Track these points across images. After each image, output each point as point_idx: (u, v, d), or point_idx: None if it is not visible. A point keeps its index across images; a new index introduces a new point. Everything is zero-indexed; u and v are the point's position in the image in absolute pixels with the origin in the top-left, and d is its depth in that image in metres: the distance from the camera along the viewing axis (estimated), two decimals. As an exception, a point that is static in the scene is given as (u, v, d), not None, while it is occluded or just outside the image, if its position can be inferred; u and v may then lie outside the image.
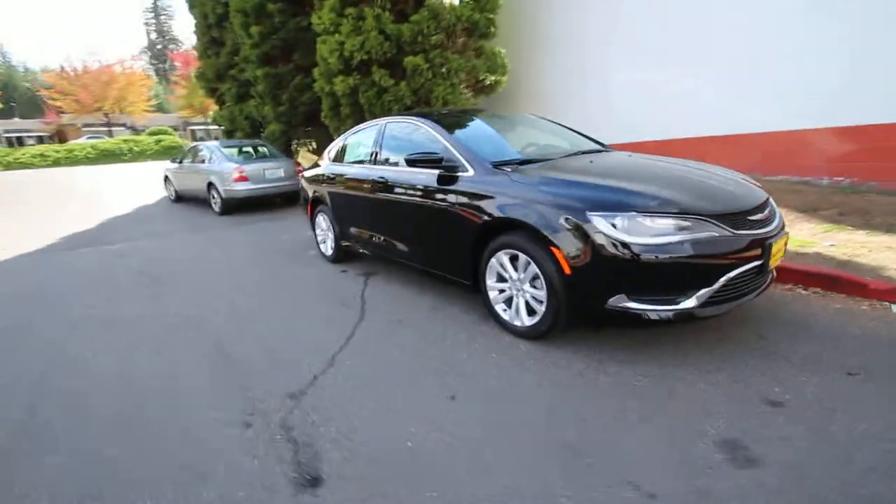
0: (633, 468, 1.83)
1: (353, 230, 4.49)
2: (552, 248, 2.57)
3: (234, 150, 9.53)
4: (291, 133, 12.10)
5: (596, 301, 2.49)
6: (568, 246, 2.51)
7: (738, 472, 1.77)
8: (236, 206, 8.68)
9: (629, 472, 1.81)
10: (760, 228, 2.54)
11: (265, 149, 9.93)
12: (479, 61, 9.14)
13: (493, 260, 2.97)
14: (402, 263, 3.90)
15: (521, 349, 2.78)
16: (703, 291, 2.36)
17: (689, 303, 2.37)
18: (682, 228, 2.35)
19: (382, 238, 4.05)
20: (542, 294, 2.72)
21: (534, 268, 2.71)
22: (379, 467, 1.94)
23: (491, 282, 3.04)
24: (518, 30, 9.75)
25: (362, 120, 10.13)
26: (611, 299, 2.44)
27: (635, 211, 2.39)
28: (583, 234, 2.46)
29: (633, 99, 8.14)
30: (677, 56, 7.21)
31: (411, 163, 3.32)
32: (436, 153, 3.26)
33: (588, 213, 2.45)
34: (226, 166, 8.67)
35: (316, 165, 5.40)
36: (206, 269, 5.11)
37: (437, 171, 3.29)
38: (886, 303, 2.99)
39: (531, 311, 2.84)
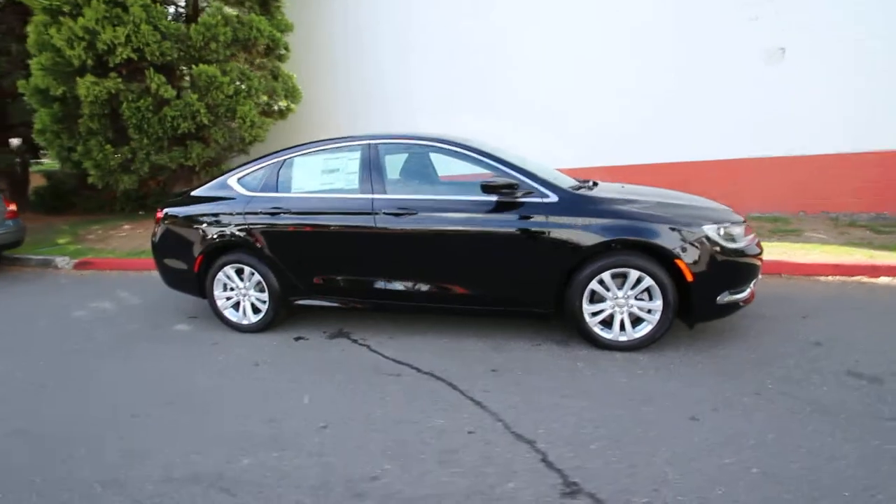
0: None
1: (320, 279, 3.41)
2: (676, 261, 2.86)
3: None
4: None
5: (709, 300, 2.93)
6: (690, 256, 2.85)
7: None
8: None
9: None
10: None
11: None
12: (278, 83, 8.23)
13: (593, 283, 2.99)
14: (398, 309, 3.33)
15: (643, 359, 2.91)
16: (756, 279, 3.15)
17: (749, 289, 3.12)
18: (748, 233, 3.08)
19: (385, 282, 3.28)
20: (654, 305, 2.94)
21: (647, 281, 2.91)
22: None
23: (587, 304, 3.04)
24: (309, 55, 9.23)
25: (119, 138, 7.41)
26: (719, 296, 2.94)
27: (730, 221, 2.98)
28: (700, 244, 2.86)
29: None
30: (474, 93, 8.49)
31: (489, 189, 3.00)
32: (513, 179, 3.02)
33: (704, 227, 2.88)
34: None
35: (188, 198, 3.79)
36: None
37: (495, 198, 3.06)
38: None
39: (631, 324, 3.02)
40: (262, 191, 3.55)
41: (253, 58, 8.07)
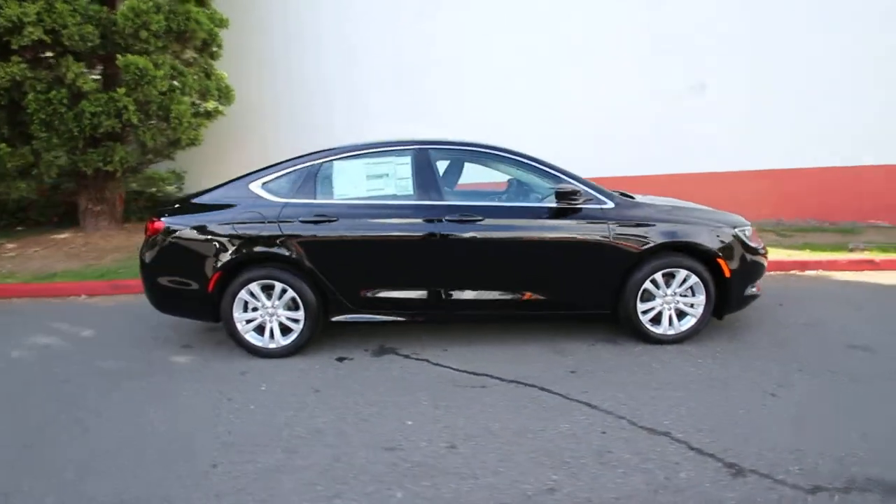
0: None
1: (369, 292, 3.15)
2: (718, 259, 3.21)
3: None
4: None
5: (739, 293, 3.32)
6: (727, 255, 3.23)
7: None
8: None
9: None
10: None
11: None
12: (211, 82, 7.49)
13: (647, 282, 3.21)
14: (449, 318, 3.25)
15: (693, 350, 3.19)
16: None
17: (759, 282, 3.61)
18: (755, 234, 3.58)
19: (447, 292, 3.16)
20: (697, 300, 3.26)
21: (693, 280, 3.22)
22: None
23: (640, 303, 3.24)
24: (242, 54, 8.48)
25: (16, 136, 6.02)
26: (746, 289, 3.36)
27: (748, 226, 3.42)
28: (732, 245, 3.26)
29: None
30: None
31: (561, 196, 3.09)
32: (577, 186, 3.14)
33: (735, 229, 3.29)
34: None
35: (192, 206, 3.28)
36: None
37: (554, 204, 3.18)
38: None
39: (676, 318, 3.30)
40: (296, 197, 3.20)
41: (182, 52, 7.19)
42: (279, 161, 3.37)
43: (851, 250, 5.75)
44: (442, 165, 3.51)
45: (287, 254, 3.11)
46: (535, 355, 3.22)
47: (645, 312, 3.27)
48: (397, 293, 3.19)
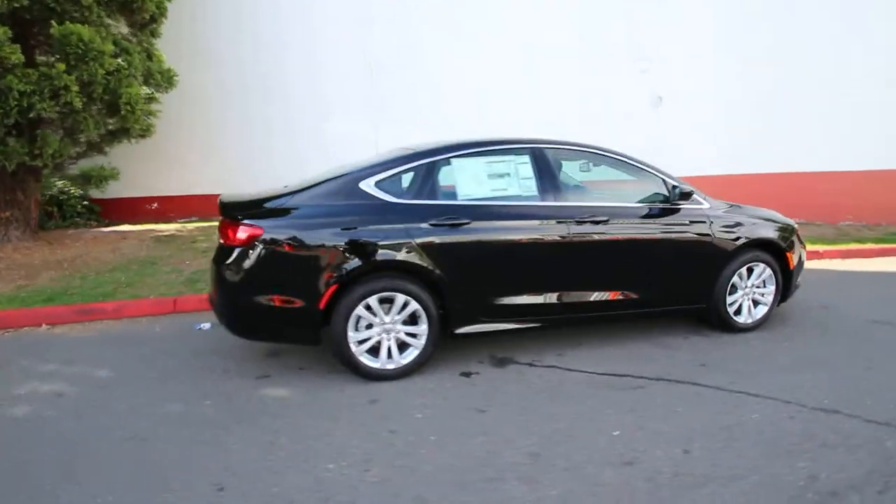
0: None
1: (500, 300, 2.93)
2: (787, 254, 3.60)
3: None
4: None
5: (795, 283, 3.76)
6: (791, 250, 3.64)
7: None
8: None
9: None
10: None
11: None
12: (153, 65, 6.44)
13: (735, 276, 3.48)
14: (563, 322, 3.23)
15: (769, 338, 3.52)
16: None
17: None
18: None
19: (570, 295, 3.09)
20: (768, 290, 3.62)
21: (767, 272, 3.57)
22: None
23: (729, 296, 3.50)
24: (185, 39, 7.32)
25: None
26: (797, 279, 3.81)
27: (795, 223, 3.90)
28: (794, 241, 3.69)
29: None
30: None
31: (682, 197, 3.22)
32: (688, 188, 3.27)
33: (793, 226, 3.71)
34: None
35: (282, 210, 2.75)
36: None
37: (667, 206, 3.32)
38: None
39: (753, 308, 3.63)
40: (417, 198, 2.85)
41: (118, 27, 5.97)
42: (384, 158, 2.98)
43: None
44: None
45: (415, 261, 2.76)
46: (647, 352, 3.29)
47: (731, 304, 3.55)
48: (527, 298, 3.03)
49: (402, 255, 2.74)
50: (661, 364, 3.10)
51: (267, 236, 2.62)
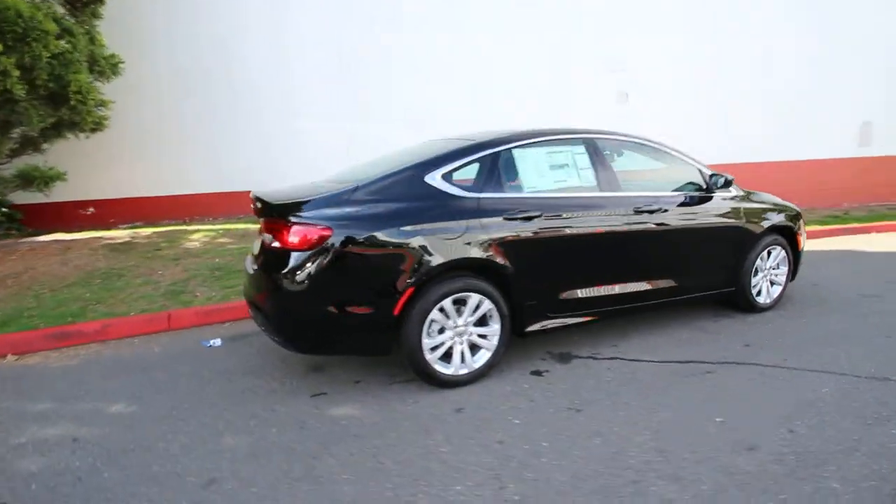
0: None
1: (567, 293, 2.84)
2: (797, 236, 3.85)
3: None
4: None
5: (799, 263, 4.05)
6: (799, 232, 3.90)
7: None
8: None
9: None
10: None
11: None
12: (97, 49, 5.71)
13: (758, 260, 3.66)
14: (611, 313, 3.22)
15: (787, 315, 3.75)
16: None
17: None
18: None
19: (626, 285, 3.08)
20: (783, 271, 3.86)
21: (782, 254, 3.80)
22: None
23: (753, 278, 3.67)
24: (130, 23, 6.46)
25: None
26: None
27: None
28: (801, 225, 3.95)
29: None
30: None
31: (724, 185, 3.34)
32: (727, 176, 3.38)
33: (798, 211, 3.97)
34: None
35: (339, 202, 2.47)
36: None
37: (707, 194, 3.43)
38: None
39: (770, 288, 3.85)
40: (484, 191, 2.68)
41: (53, 4, 5.12)
42: (444, 149, 2.76)
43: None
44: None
45: (493, 258, 2.59)
46: (689, 337, 3.36)
47: (754, 287, 3.74)
48: (591, 291, 2.97)
49: (479, 252, 2.56)
50: (709, 347, 3.18)
51: (337, 237, 2.32)
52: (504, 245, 2.63)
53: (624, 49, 8.07)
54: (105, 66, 5.56)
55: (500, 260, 2.62)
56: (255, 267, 2.68)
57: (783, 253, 3.83)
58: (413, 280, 2.43)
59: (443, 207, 2.56)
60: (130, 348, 3.45)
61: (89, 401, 2.67)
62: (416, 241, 2.45)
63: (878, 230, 7.16)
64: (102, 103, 5.15)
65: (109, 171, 7.04)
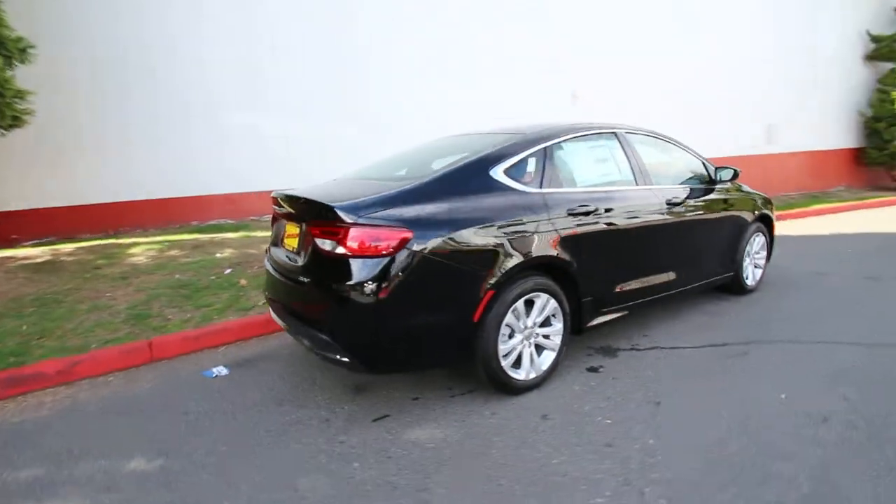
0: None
1: (622, 286, 2.84)
2: (772, 223, 4.23)
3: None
4: None
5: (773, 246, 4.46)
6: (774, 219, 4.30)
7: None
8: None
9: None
10: None
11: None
12: (2, 29, 4.83)
13: (749, 244, 3.96)
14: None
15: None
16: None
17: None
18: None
19: (660, 275, 3.15)
20: (762, 255, 4.21)
21: (763, 239, 4.15)
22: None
23: (745, 263, 3.97)
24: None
25: None
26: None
27: (764, 196, 4.59)
28: (772, 211, 4.33)
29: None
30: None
31: (735, 176, 3.49)
32: (734, 169, 3.60)
33: (769, 198, 4.37)
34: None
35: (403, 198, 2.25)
36: None
37: (712, 185, 3.63)
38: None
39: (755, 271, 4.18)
40: (543, 186, 2.56)
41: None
42: (502, 143, 2.59)
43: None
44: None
45: (563, 255, 2.50)
46: (702, 321, 3.52)
47: (744, 270, 4.05)
48: (637, 283, 2.99)
49: (551, 250, 2.45)
50: (727, 329, 3.35)
51: (418, 240, 2.08)
52: (570, 241, 2.55)
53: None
54: (13, 51, 4.58)
55: (566, 256, 2.53)
56: (302, 277, 2.32)
57: (764, 238, 4.20)
58: (493, 282, 2.26)
59: (513, 204, 2.41)
60: (109, 388, 2.85)
61: (93, 459, 2.13)
62: (494, 241, 2.28)
63: (794, 217, 8.21)
64: (21, 95, 4.23)
65: (10, 179, 5.86)
